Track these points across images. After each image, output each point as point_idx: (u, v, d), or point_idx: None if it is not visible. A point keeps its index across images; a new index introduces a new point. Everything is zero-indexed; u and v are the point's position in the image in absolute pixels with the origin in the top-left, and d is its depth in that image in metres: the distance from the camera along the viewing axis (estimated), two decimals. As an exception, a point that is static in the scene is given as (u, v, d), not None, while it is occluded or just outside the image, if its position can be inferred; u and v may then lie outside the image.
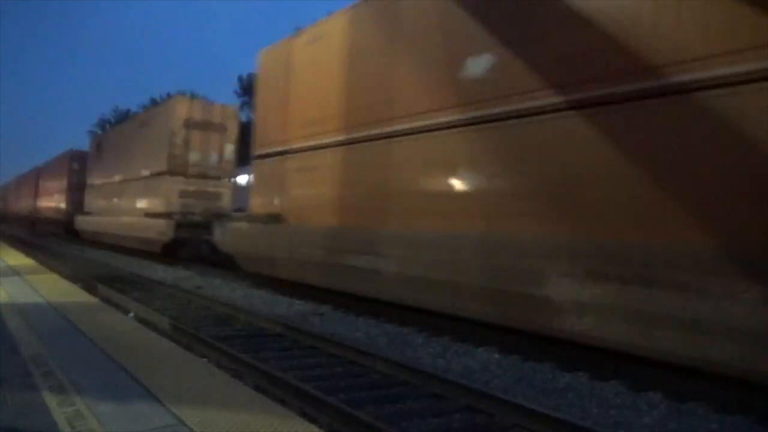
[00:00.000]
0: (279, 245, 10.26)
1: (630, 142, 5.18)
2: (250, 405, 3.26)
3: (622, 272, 5.06)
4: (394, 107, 7.73)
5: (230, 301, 9.78)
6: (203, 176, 15.68)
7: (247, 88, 44.45)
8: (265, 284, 11.76)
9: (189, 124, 15.49)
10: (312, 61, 9.87)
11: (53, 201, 28.37)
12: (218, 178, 15.27)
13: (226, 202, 15.16)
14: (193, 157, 15.51)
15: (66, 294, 7.61)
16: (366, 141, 8.32)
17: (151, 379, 3.60)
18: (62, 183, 26.60)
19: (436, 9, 7.38)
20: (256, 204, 11.31)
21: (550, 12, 5.89)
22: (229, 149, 14.61)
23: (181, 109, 15.68)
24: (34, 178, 33.94)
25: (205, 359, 5.55)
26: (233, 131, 15.65)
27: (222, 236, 12.16)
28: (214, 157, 15.04)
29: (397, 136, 7.70)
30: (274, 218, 10.41)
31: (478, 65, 6.60)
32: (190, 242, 14.67)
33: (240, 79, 44.71)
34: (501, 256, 6.25)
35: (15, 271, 10.07)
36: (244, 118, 42.37)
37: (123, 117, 61.90)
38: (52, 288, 8.00)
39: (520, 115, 6.07)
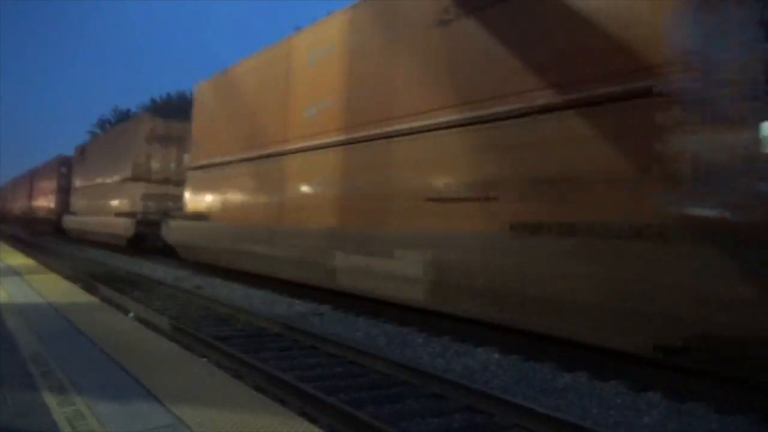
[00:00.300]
0: (202, 237, 13.48)
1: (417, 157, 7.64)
2: (250, 405, 3.26)
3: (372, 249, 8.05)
4: (288, 133, 10.49)
5: (230, 301, 9.78)
6: (165, 181, 18.42)
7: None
8: (265, 284, 11.76)
9: (151, 138, 18.79)
10: (225, 98, 13.30)
11: (45, 202, 30.95)
12: (177, 183, 17.20)
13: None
14: (155, 165, 18.67)
15: (66, 294, 7.61)
16: (259, 159, 11.24)
17: (150, 379, 3.60)
18: (52, 185, 29.23)
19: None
20: (189, 206, 14.56)
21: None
22: (187, 158, 16.65)
23: (145, 126, 19.12)
24: (28, 181, 36.26)
25: (205, 359, 5.55)
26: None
27: (166, 231, 15.20)
28: (173, 166, 17.97)
29: (275, 156, 10.76)
30: (201, 217, 13.55)
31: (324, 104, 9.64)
32: (149, 237, 17.17)
33: (240, 79, 44.68)
34: (320, 241, 9.26)
35: (15, 271, 10.07)
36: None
37: (123, 117, 61.83)
38: (52, 288, 8.00)
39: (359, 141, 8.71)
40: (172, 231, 14.87)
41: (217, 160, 13.03)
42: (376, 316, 8.57)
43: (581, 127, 5.56)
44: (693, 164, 4.63)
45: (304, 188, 10.14)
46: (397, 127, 7.76)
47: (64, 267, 13.54)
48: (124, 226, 18.20)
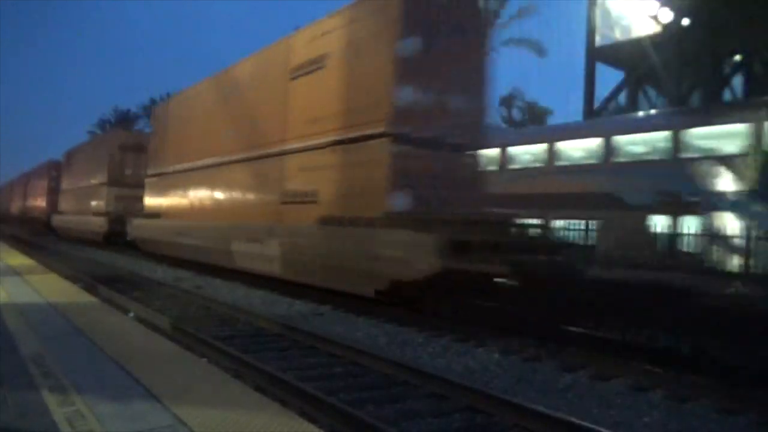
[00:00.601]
0: (154, 232, 16.76)
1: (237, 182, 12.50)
2: (250, 405, 3.26)
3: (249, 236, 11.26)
4: (202, 153, 14.28)
5: (230, 301, 9.78)
6: (136, 185, 20.59)
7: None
8: (265, 284, 11.76)
9: (124, 148, 22.25)
10: (167, 122, 17.39)
11: (37, 202, 34.14)
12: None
13: None
14: (127, 171, 22.01)
15: (66, 294, 7.61)
16: (188, 171, 15.16)
17: (151, 379, 3.60)
18: (43, 187, 32.43)
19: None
20: (146, 207, 18.11)
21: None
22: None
23: (118, 138, 23.31)
24: (23, 183, 39.53)
25: (205, 359, 5.55)
26: None
27: (130, 228, 18.46)
28: (143, 172, 19.75)
29: (195, 169, 14.64)
30: (154, 216, 17.01)
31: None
32: (121, 233, 19.55)
33: (240, 79, 44.70)
34: (220, 236, 12.64)
35: (15, 271, 10.07)
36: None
37: (123, 117, 61.86)
38: (52, 288, 8.00)
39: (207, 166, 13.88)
40: (134, 228, 18.04)
41: (164, 170, 16.80)
42: (376, 316, 8.57)
43: (352, 156, 8.99)
44: (407, 178, 8.20)
45: (212, 194, 14.00)
46: (263, 151, 11.49)
47: (64, 267, 13.54)
48: (100, 224, 21.51)
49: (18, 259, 13.04)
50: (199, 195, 14.57)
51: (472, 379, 5.40)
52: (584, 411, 4.67)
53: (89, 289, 9.77)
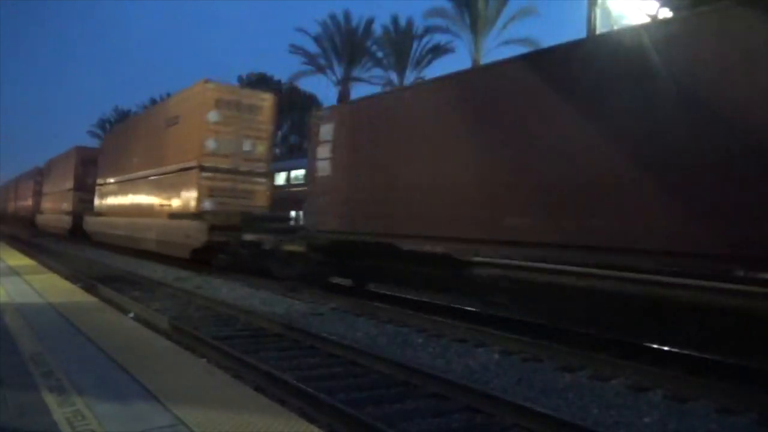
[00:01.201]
0: (98, 226, 22.41)
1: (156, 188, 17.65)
2: (250, 405, 3.26)
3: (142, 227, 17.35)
4: (123, 171, 20.52)
5: (230, 301, 9.78)
6: (93, 191, 25.94)
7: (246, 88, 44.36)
8: (265, 284, 11.77)
9: (85, 162, 26.58)
10: (109, 144, 24.13)
11: (25, 203, 38.94)
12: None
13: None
14: (88, 180, 25.78)
15: (66, 294, 7.61)
16: (116, 182, 21.30)
17: (151, 379, 3.60)
18: (29, 191, 37.32)
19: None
20: (95, 207, 23.85)
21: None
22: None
23: (81, 153, 27.25)
24: (13, 187, 44.70)
25: (205, 359, 5.55)
26: None
27: (85, 223, 24.04)
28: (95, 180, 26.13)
29: (119, 182, 20.92)
30: (100, 214, 22.97)
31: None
32: (81, 227, 24.50)
33: (240, 79, 44.71)
34: (132, 227, 18.14)
35: (15, 271, 10.07)
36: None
37: (123, 117, 61.89)
38: (51, 288, 8.00)
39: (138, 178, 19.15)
40: (87, 223, 23.85)
41: (104, 181, 23.28)
42: (376, 316, 8.57)
43: (183, 178, 15.07)
44: (210, 191, 14.35)
45: (128, 199, 19.97)
46: (151, 172, 17.62)
47: (63, 267, 13.54)
48: (67, 221, 26.82)
49: (18, 259, 13.03)
50: (122, 199, 20.80)
51: (472, 379, 5.40)
52: (584, 411, 4.67)
53: (89, 289, 9.76)
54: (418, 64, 34.03)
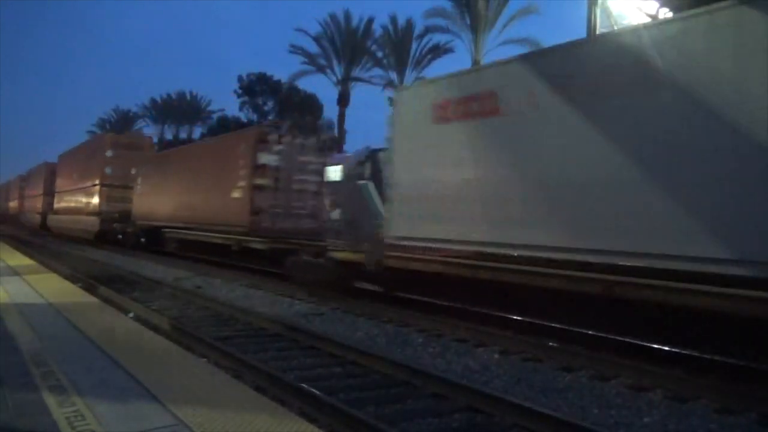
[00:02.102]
0: (54, 222, 30.79)
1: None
2: (250, 405, 3.26)
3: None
4: (65, 186, 30.72)
5: (230, 301, 9.78)
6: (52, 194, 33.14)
7: (246, 88, 44.39)
8: (265, 284, 11.77)
9: (51, 172, 33.28)
10: (60, 164, 32.99)
11: (12, 203, 46.63)
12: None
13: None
14: (54, 188, 32.79)
15: (66, 294, 7.61)
16: (65, 192, 30.05)
17: (151, 379, 3.60)
18: (16, 193, 44.66)
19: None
20: (54, 208, 31.32)
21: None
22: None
23: (50, 167, 33.55)
24: (5, 189, 51.61)
25: (205, 359, 5.55)
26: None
27: (48, 219, 31.62)
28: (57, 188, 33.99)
29: (62, 192, 30.81)
30: (56, 213, 30.81)
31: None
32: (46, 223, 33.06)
33: (240, 79, 44.66)
34: (70, 221, 28.03)
35: (15, 271, 10.07)
36: (243, 119, 42.36)
37: (123, 117, 61.92)
38: (51, 288, 7.99)
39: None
40: (50, 219, 31.39)
41: (59, 189, 30.76)
42: (376, 316, 8.57)
43: (94, 191, 24.57)
44: (110, 198, 23.69)
45: (67, 204, 28.62)
46: (82, 185, 26.58)
47: (63, 267, 13.54)
48: (36, 218, 34.97)
49: (18, 259, 13.03)
50: (65, 203, 29.24)
51: (472, 379, 5.40)
52: (584, 411, 4.67)
53: (89, 289, 9.76)
54: (418, 64, 34.04)
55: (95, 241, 23.31)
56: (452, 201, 8.11)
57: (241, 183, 14.06)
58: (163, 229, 18.40)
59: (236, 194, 14.23)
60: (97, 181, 24.13)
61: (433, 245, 8.34)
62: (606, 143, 6.28)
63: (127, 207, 22.09)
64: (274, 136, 13.93)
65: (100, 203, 23.62)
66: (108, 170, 23.95)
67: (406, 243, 8.75)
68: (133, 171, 22.50)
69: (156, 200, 19.56)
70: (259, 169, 13.65)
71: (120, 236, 22.18)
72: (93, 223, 23.64)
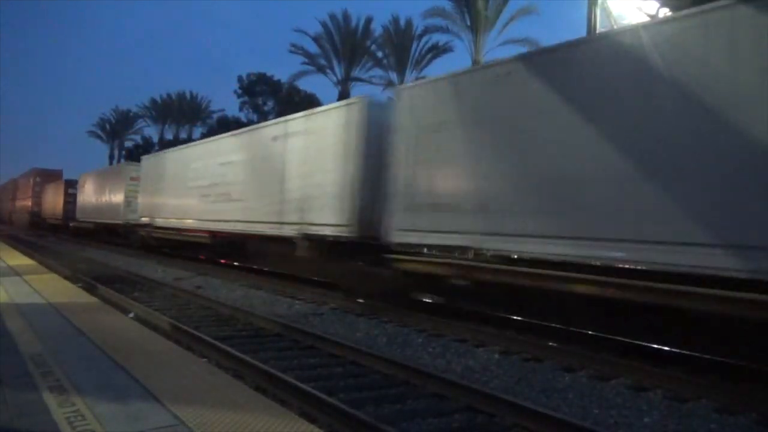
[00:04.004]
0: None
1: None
2: (250, 405, 3.26)
3: None
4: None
5: (230, 301, 9.78)
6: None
7: (246, 88, 44.38)
8: (265, 284, 11.76)
9: (38, 182, 41.59)
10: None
11: (5, 204, 52.84)
12: None
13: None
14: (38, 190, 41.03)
15: (66, 294, 7.61)
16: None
17: (151, 379, 3.60)
18: (8, 195, 50.34)
19: None
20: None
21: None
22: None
23: (34, 172, 40.67)
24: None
25: (205, 359, 5.55)
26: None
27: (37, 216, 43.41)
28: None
29: None
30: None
31: None
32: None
33: (239, 79, 44.65)
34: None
35: (15, 272, 10.07)
36: (243, 119, 42.35)
37: (123, 117, 61.90)
38: (52, 288, 7.99)
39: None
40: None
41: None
42: (376, 316, 8.57)
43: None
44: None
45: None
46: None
47: (64, 267, 13.54)
48: (26, 217, 40.33)
49: (18, 259, 13.03)
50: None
51: (472, 379, 5.40)
52: (584, 411, 4.67)
53: (89, 289, 9.76)
54: (418, 63, 34.02)
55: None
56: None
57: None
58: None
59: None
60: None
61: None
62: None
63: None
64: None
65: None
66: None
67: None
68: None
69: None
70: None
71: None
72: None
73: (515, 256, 7.08)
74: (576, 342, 6.67)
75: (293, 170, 11.38)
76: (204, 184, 15.16)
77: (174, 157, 18.20)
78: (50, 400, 3.19)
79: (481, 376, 5.64)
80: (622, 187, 6.04)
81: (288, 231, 11.11)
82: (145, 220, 19.34)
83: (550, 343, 6.65)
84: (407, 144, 8.71)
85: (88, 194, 27.44)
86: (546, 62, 7.17)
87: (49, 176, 40.78)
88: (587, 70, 6.61)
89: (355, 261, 9.87)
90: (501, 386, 5.25)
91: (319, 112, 11.35)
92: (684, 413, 4.66)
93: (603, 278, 6.08)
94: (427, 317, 8.15)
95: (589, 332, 6.93)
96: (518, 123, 7.23)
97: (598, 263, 6.17)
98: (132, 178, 21.62)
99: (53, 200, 35.00)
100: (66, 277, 10.47)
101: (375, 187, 9.23)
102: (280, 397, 4.55)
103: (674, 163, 5.66)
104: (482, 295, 7.93)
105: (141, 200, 20.25)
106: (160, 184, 18.40)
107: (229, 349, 5.96)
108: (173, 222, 17.14)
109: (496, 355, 6.41)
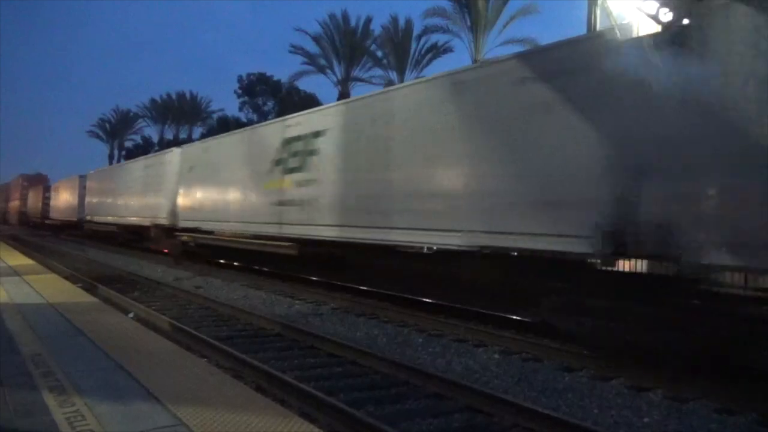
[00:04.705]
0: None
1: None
2: (250, 405, 3.26)
3: None
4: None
5: (230, 301, 9.78)
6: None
7: (246, 88, 44.35)
8: (265, 284, 11.76)
9: (25, 186, 47.51)
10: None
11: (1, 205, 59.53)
12: None
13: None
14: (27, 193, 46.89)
15: (66, 294, 7.60)
16: None
17: (151, 379, 3.60)
18: (2, 196, 55.32)
19: None
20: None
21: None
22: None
23: (22, 177, 46.73)
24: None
25: (205, 359, 5.55)
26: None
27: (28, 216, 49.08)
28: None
29: None
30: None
31: None
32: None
33: (239, 79, 44.62)
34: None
35: (15, 272, 10.07)
36: (243, 119, 42.34)
37: (123, 117, 61.85)
38: (52, 288, 7.99)
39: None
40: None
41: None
42: (376, 316, 8.57)
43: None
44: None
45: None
46: None
47: (63, 267, 13.54)
48: (16, 216, 45.81)
49: (18, 259, 13.03)
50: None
51: (472, 379, 5.40)
52: (584, 411, 4.67)
53: (89, 289, 9.76)
54: (418, 63, 34.01)
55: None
56: None
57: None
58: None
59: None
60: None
61: None
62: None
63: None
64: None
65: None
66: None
67: None
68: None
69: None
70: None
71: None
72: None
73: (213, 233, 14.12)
74: (576, 342, 6.60)
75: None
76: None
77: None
78: (50, 400, 3.19)
79: (481, 376, 5.64)
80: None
81: (144, 222, 18.76)
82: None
83: (550, 344, 6.65)
84: (180, 179, 16.56)
85: (55, 197, 35.88)
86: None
87: (34, 180, 48.79)
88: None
89: (170, 236, 16.36)
90: (501, 386, 5.25)
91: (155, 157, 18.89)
92: (684, 413, 4.66)
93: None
94: (427, 317, 8.15)
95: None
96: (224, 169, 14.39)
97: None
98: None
99: (35, 202, 42.96)
100: (66, 277, 10.47)
101: (175, 199, 16.49)
102: (280, 397, 4.55)
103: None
104: (207, 247, 14.47)
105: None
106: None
107: (229, 349, 5.96)
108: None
109: (496, 355, 6.41)
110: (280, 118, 13.30)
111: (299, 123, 11.28)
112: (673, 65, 5.20)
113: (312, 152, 10.56)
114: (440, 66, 33.57)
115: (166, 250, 17.30)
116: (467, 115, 7.44)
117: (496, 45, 28.87)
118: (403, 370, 5.44)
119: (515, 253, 7.01)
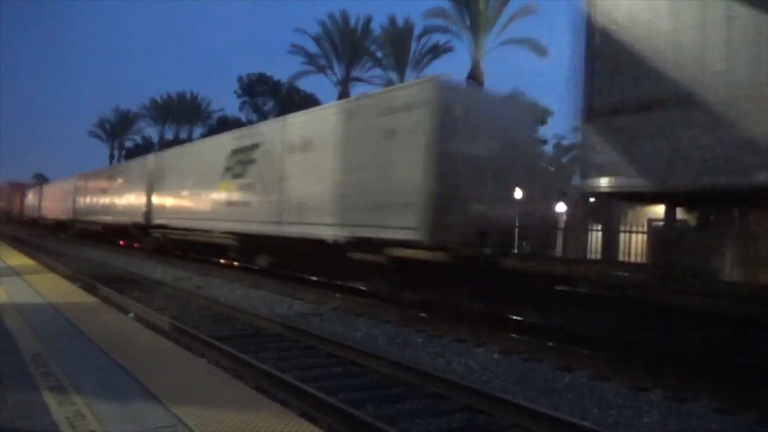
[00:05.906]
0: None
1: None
2: (250, 405, 3.26)
3: None
4: None
5: (230, 301, 9.78)
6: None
7: (246, 89, 44.32)
8: (265, 284, 11.76)
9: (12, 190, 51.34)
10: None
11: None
12: None
13: None
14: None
15: (66, 294, 7.61)
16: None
17: (151, 379, 3.60)
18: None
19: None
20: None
21: None
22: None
23: (9, 184, 49.39)
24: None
25: (205, 359, 5.55)
26: None
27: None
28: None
29: None
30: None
31: None
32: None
33: (240, 79, 44.59)
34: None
35: (15, 271, 10.07)
36: (243, 119, 42.33)
37: (123, 117, 61.84)
38: (52, 288, 7.99)
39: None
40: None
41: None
42: (376, 316, 8.57)
43: None
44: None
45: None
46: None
47: (63, 267, 13.53)
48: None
49: (18, 259, 13.03)
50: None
51: (472, 379, 5.40)
52: (584, 411, 4.67)
53: (89, 289, 9.75)
54: (418, 63, 34.01)
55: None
56: None
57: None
58: None
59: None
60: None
61: None
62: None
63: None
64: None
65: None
66: None
67: None
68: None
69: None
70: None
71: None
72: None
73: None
74: (576, 342, 6.64)
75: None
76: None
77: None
78: (50, 400, 3.19)
79: (480, 376, 5.64)
80: None
81: (125, 221, 20.82)
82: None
83: (550, 344, 6.66)
84: (154, 183, 18.77)
85: (47, 198, 39.36)
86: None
87: (18, 186, 56.02)
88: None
89: (146, 234, 18.85)
90: (501, 386, 5.25)
91: (134, 162, 23.07)
92: (684, 413, 4.66)
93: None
94: (427, 317, 8.15)
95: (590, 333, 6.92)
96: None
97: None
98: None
99: (18, 204, 51.21)
100: (66, 277, 10.47)
101: (150, 202, 18.82)
102: (280, 397, 4.54)
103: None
104: (173, 241, 17.10)
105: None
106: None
107: (228, 348, 5.96)
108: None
109: (496, 355, 6.41)
110: (232, 131, 15.73)
111: (244, 136, 13.80)
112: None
113: (250, 161, 13.09)
114: (440, 66, 33.58)
115: (137, 245, 20.67)
116: (350, 138, 9.91)
117: (496, 45, 28.89)
118: (402, 370, 5.44)
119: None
